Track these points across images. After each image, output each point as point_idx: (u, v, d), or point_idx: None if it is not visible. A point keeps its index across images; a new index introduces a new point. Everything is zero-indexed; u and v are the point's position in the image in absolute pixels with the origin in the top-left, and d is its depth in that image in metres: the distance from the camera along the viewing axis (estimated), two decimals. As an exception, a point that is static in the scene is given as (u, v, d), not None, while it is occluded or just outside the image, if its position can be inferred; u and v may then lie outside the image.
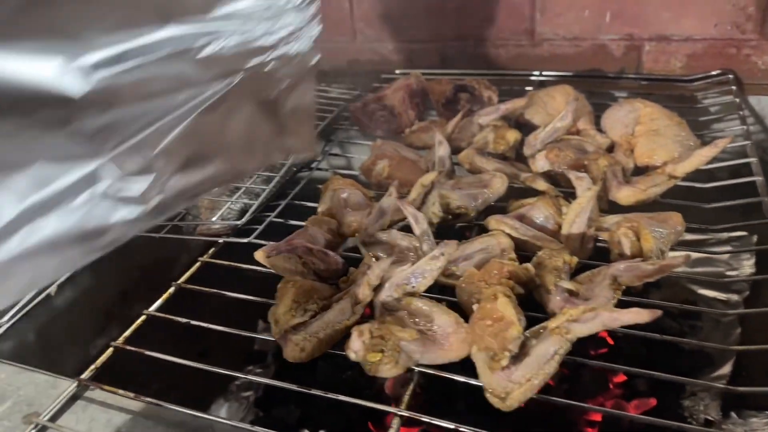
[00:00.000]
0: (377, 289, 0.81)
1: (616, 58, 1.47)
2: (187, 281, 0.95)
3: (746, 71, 1.36)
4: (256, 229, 1.04)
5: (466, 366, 0.73)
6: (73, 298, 1.11)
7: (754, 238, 1.20)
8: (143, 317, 0.88)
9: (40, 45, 0.40)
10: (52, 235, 0.44)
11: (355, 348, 0.72)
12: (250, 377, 0.82)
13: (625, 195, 0.98)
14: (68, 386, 0.77)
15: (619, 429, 1.02)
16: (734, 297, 1.24)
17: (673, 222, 0.89)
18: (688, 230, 0.92)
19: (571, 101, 1.17)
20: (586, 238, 0.89)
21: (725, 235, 1.24)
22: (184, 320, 0.86)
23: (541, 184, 1.04)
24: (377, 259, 0.90)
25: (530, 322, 0.73)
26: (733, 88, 1.31)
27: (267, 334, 0.83)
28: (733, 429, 0.96)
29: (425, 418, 0.68)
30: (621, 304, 0.77)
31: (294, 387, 0.75)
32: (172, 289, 0.93)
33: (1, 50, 0.38)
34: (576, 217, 0.89)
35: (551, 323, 0.70)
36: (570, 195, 1.02)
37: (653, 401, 1.10)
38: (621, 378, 1.13)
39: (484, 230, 0.95)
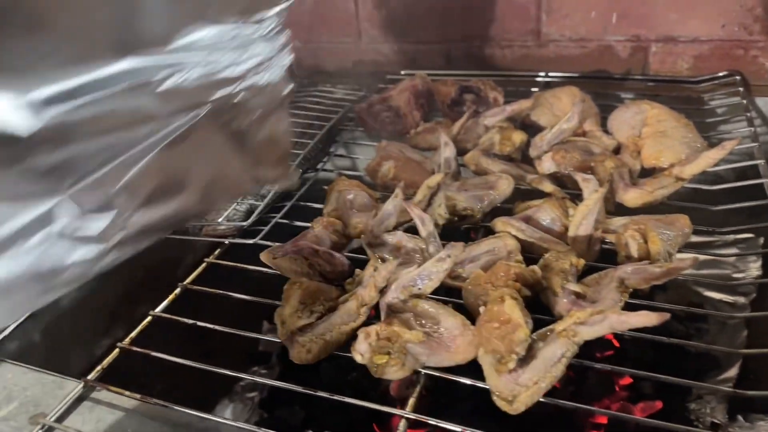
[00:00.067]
0: (383, 290, 0.81)
1: (622, 59, 1.46)
2: (192, 282, 0.95)
3: (753, 73, 1.35)
4: (262, 230, 1.04)
5: (473, 368, 0.73)
6: (79, 299, 1.11)
7: (761, 240, 1.19)
8: (149, 318, 0.88)
9: None
10: (3, 277, 0.43)
11: (362, 350, 0.72)
12: (255, 378, 0.82)
13: (631, 197, 0.97)
14: (75, 387, 0.77)
15: (625, 432, 1.02)
16: (741, 299, 1.24)
17: (681, 224, 0.89)
18: (695, 232, 0.91)
19: (577, 103, 1.17)
20: (592, 241, 0.89)
21: (731, 237, 1.23)
22: (190, 321, 0.86)
23: (548, 186, 1.04)
24: (383, 260, 0.90)
25: (537, 325, 0.73)
26: (741, 89, 1.30)
27: (272, 335, 0.83)
28: (739, 433, 0.96)
29: (432, 421, 0.68)
30: (627, 307, 0.76)
31: (300, 389, 0.75)
32: (177, 290, 0.93)
33: None
34: (583, 219, 0.88)
35: (558, 326, 0.70)
36: (576, 197, 1.02)
37: (659, 404, 1.09)
38: (627, 380, 1.13)
39: (490, 232, 0.95)
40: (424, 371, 0.74)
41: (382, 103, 1.36)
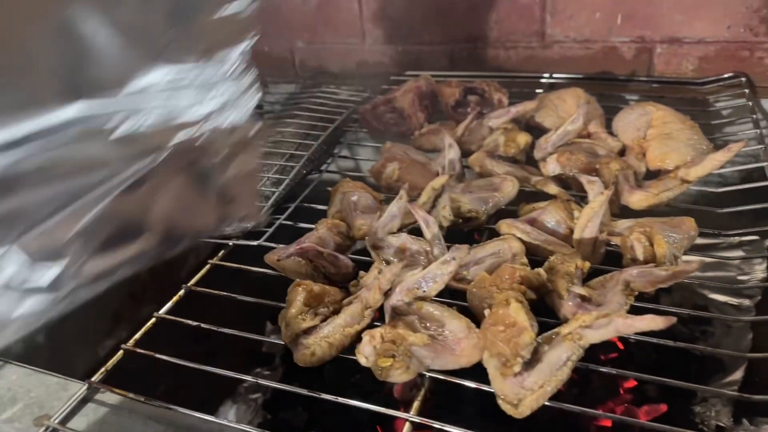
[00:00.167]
0: (387, 293, 0.81)
1: (627, 60, 1.46)
2: (196, 284, 0.95)
3: (759, 74, 1.34)
4: (266, 231, 1.04)
5: (477, 371, 0.72)
6: (83, 300, 1.11)
7: (767, 242, 1.19)
8: (153, 320, 0.88)
9: None
10: None
11: (366, 353, 0.72)
12: (259, 380, 0.82)
13: (637, 199, 0.97)
14: (79, 389, 0.77)
15: (629, 435, 1.02)
16: (746, 302, 1.23)
17: (687, 227, 0.88)
18: (700, 234, 0.91)
19: (582, 104, 1.16)
20: (597, 243, 0.88)
21: (737, 239, 1.23)
22: (194, 323, 0.86)
23: (553, 188, 1.04)
24: (387, 263, 0.89)
25: (542, 328, 0.73)
26: (746, 91, 1.30)
27: (275, 337, 0.83)
28: (744, 436, 0.95)
29: (437, 424, 0.68)
30: (632, 310, 0.76)
31: (304, 391, 0.75)
32: (181, 292, 0.93)
33: None
34: (588, 222, 0.88)
35: (564, 329, 0.69)
36: (581, 199, 1.01)
37: (664, 407, 1.09)
38: (631, 383, 1.12)
39: (494, 234, 0.95)
40: (428, 374, 0.74)
41: (386, 105, 1.36)
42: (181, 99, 0.54)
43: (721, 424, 1.04)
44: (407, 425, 0.69)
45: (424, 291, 0.79)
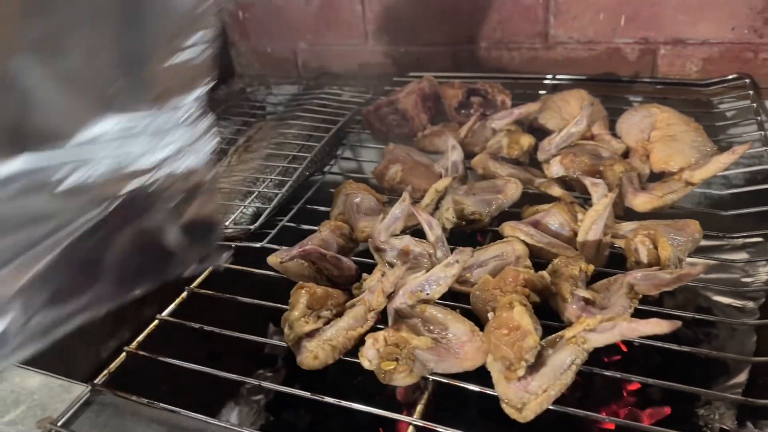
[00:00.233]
0: (391, 295, 0.80)
1: (630, 61, 1.45)
2: (199, 286, 0.95)
3: (763, 75, 1.34)
4: (269, 233, 1.04)
5: (481, 374, 0.72)
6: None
7: (772, 244, 1.19)
8: (156, 322, 0.88)
9: None
10: None
11: (370, 356, 0.72)
12: (262, 383, 0.82)
13: (641, 202, 0.96)
14: (81, 391, 0.77)
15: (633, 438, 1.01)
16: (750, 304, 1.23)
17: (691, 230, 0.88)
18: (705, 237, 0.91)
19: (586, 106, 1.16)
20: (601, 246, 0.88)
21: (741, 241, 1.22)
22: (196, 325, 0.86)
23: (556, 190, 1.03)
24: (390, 265, 0.89)
25: (546, 331, 0.73)
26: (750, 92, 1.29)
27: (278, 338, 0.83)
28: (749, 440, 0.95)
29: (440, 428, 0.68)
30: (635, 312, 0.76)
31: (307, 395, 0.75)
32: (184, 294, 0.93)
33: None
34: (592, 225, 0.88)
35: (568, 332, 0.69)
36: (585, 201, 1.01)
37: (667, 410, 1.09)
38: (635, 386, 1.12)
39: (497, 236, 0.95)
40: (431, 377, 0.74)
41: (389, 106, 1.35)
42: (133, 147, 0.53)
43: (725, 428, 1.04)
44: (411, 429, 0.69)
45: (428, 294, 0.79)
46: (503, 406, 0.67)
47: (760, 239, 1.20)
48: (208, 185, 0.64)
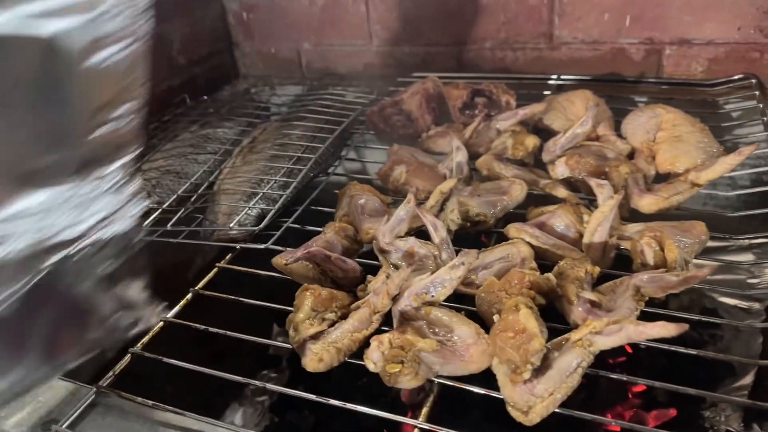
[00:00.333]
0: (396, 297, 0.80)
1: (635, 62, 1.45)
2: (204, 287, 0.95)
3: (769, 76, 1.33)
4: (273, 234, 1.03)
5: (486, 377, 0.72)
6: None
7: (778, 245, 1.18)
8: (161, 323, 0.88)
9: None
10: None
11: (375, 358, 0.71)
12: (266, 385, 0.82)
13: (647, 203, 0.96)
14: (87, 393, 0.77)
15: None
16: (756, 305, 1.22)
17: (698, 231, 0.87)
18: (711, 238, 0.90)
19: (591, 106, 1.15)
20: (607, 248, 0.88)
21: (746, 242, 1.22)
22: (201, 327, 0.86)
23: (562, 192, 1.03)
24: (395, 267, 0.89)
25: (551, 333, 0.72)
26: (756, 93, 1.28)
27: (282, 339, 0.83)
28: (755, 442, 0.94)
29: (446, 431, 0.67)
30: (641, 315, 0.76)
31: (312, 397, 0.75)
32: (189, 296, 0.93)
33: None
34: (598, 226, 0.87)
35: (574, 335, 0.69)
36: (590, 202, 1.01)
37: (673, 412, 1.08)
38: (640, 387, 1.12)
39: (502, 238, 0.94)
40: (437, 380, 0.74)
41: (393, 107, 1.35)
42: (56, 219, 0.52)
43: (732, 430, 1.03)
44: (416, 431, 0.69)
45: (433, 296, 0.79)
46: (509, 409, 0.66)
47: (766, 240, 1.19)
48: (135, 249, 0.63)
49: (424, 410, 0.71)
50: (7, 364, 0.53)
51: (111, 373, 0.79)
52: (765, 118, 1.19)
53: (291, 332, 0.79)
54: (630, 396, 1.11)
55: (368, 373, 0.74)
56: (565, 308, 0.78)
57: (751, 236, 0.96)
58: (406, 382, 0.71)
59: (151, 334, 0.86)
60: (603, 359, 1.04)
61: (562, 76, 1.48)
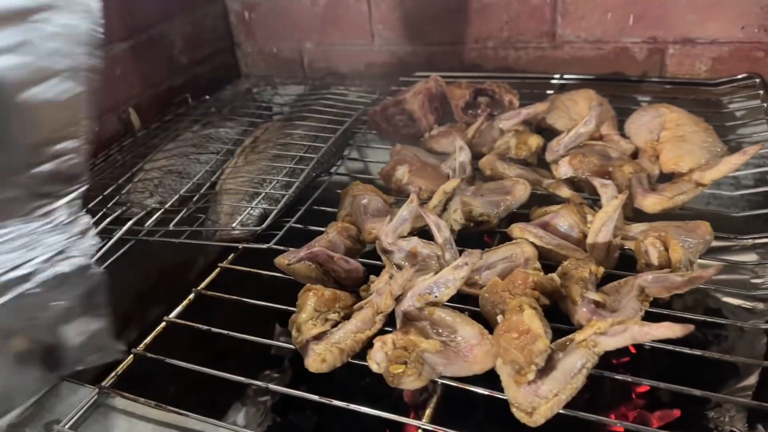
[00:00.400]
0: (399, 298, 0.80)
1: (638, 61, 1.44)
2: (206, 287, 0.95)
3: (773, 75, 1.33)
4: (276, 234, 1.03)
5: (490, 377, 0.72)
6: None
7: (782, 245, 1.17)
8: (163, 324, 0.88)
9: None
10: None
11: (378, 359, 0.71)
12: (269, 386, 0.81)
13: (651, 203, 0.96)
14: (89, 393, 0.77)
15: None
16: (760, 305, 1.21)
17: (702, 231, 0.87)
18: (715, 238, 0.90)
19: (594, 106, 1.15)
20: (611, 248, 0.87)
21: (750, 242, 1.21)
22: (204, 327, 0.86)
23: (565, 191, 1.03)
24: (398, 267, 0.89)
25: (555, 334, 0.72)
26: (760, 92, 1.28)
27: (284, 340, 0.82)
28: (760, 443, 0.94)
29: (449, 432, 0.67)
30: (645, 315, 0.75)
31: (315, 398, 0.75)
32: (191, 296, 0.93)
33: None
34: (602, 226, 0.87)
35: (578, 336, 0.68)
36: (594, 202, 1.00)
37: (677, 412, 1.08)
38: (644, 388, 1.11)
39: (506, 238, 0.94)
40: (440, 381, 0.73)
41: (395, 107, 1.35)
42: (4, 257, 0.53)
43: (736, 431, 1.03)
44: (419, 433, 0.68)
45: (436, 296, 0.78)
46: (513, 410, 0.66)
47: (768, 239, 1.19)
48: (93, 283, 0.63)
49: (428, 411, 0.71)
50: None
51: (113, 374, 0.79)
52: (769, 118, 1.18)
53: (294, 333, 0.78)
54: (634, 396, 1.11)
55: (371, 374, 0.74)
56: (569, 309, 0.77)
57: (755, 236, 0.96)
58: (410, 382, 0.71)
59: (153, 334, 0.86)
60: (607, 360, 1.04)
61: (565, 76, 1.48)
